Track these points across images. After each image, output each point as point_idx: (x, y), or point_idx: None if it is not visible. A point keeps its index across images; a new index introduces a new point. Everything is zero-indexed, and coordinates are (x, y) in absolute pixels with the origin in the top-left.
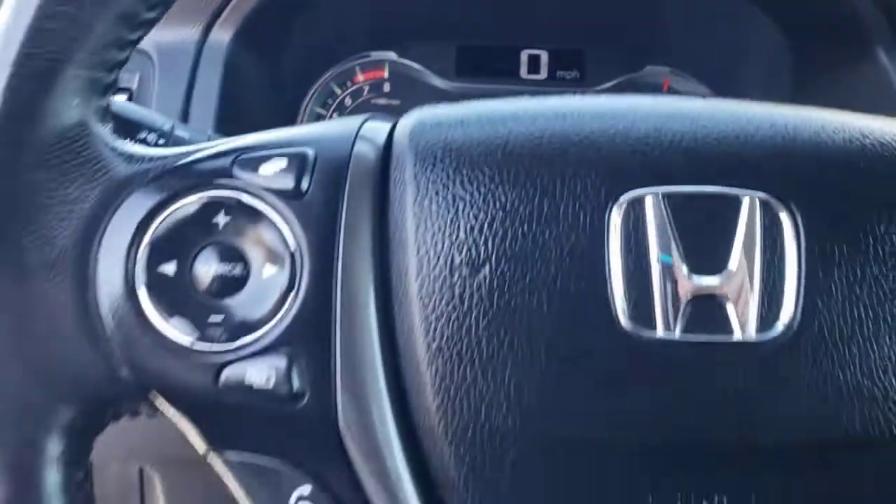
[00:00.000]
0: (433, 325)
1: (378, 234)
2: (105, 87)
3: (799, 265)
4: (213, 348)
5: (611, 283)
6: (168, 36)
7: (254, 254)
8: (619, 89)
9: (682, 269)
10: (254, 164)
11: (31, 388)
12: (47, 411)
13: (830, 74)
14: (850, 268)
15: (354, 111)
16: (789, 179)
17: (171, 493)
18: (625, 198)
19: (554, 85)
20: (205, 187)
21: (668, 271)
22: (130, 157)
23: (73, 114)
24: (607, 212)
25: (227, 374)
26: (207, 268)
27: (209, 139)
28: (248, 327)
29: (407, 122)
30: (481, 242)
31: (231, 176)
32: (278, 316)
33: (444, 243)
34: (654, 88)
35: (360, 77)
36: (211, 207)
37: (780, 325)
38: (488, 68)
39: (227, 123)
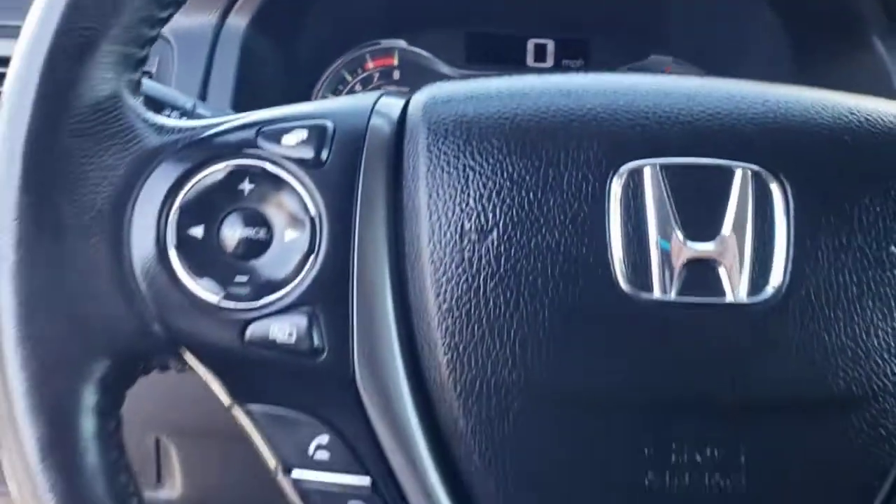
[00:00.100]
0: (444, 287)
1: (392, 201)
2: (137, 61)
3: (788, 233)
4: (238, 306)
5: (611, 247)
6: (186, 21)
7: (276, 219)
8: None
9: (678, 236)
10: (276, 136)
11: (69, 341)
12: (83, 363)
13: (828, 63)
14: (836, 236)
15: None
16: (780, 153)
17: (186, 462)
18: (625, 168)
19: (559, 73)
20: (231, 156)
21: (664, 237)
22: (161, 128)
23: (107, 87)
24: (608, 182)
25: (252, 330)
26: (233, 231)
27: None
28: (272, 287)
29: (420, 98)
30: (489, 210)
31: (255, 146)
32: (299, 277)
33: (454, 210)
34: None
35: (371, 64)
36: (236, 175)
37: (770, 288)
38: (496, 57)
39: (244, 106)
